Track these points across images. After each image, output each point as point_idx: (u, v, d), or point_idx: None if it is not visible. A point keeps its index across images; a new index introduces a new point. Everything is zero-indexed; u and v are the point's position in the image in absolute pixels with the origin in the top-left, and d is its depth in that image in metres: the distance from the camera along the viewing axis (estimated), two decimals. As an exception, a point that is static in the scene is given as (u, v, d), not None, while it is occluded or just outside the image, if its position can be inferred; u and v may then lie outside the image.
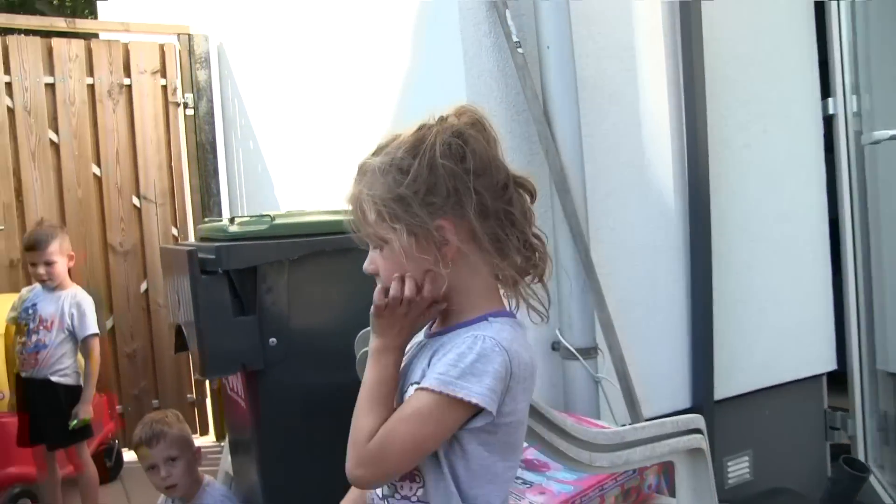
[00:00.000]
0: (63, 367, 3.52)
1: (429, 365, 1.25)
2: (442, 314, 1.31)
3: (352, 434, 1.25)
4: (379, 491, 1.36)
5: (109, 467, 4.37)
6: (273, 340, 2.27)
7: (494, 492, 1.25)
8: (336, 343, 2.35)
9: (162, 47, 4.77)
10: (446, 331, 1.29)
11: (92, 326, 3.55)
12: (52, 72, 4.52)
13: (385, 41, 2.88)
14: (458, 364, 1.18)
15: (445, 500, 1.23)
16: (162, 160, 4.75)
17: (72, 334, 3.51)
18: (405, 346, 1.31)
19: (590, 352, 2.49)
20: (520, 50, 2.47)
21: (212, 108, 4.81)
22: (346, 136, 3.16)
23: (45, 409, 3.48)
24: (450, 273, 1.22)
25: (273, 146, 4.02)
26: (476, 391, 1.16)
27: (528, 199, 1.28)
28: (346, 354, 2.34)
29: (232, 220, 2.35)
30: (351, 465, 1.24)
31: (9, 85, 4.42)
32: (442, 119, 1.25)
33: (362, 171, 1.28)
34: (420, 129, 1.25)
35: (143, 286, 4.71)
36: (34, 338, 3.46)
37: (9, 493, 3.67)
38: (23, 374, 3.49)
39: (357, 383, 1.72)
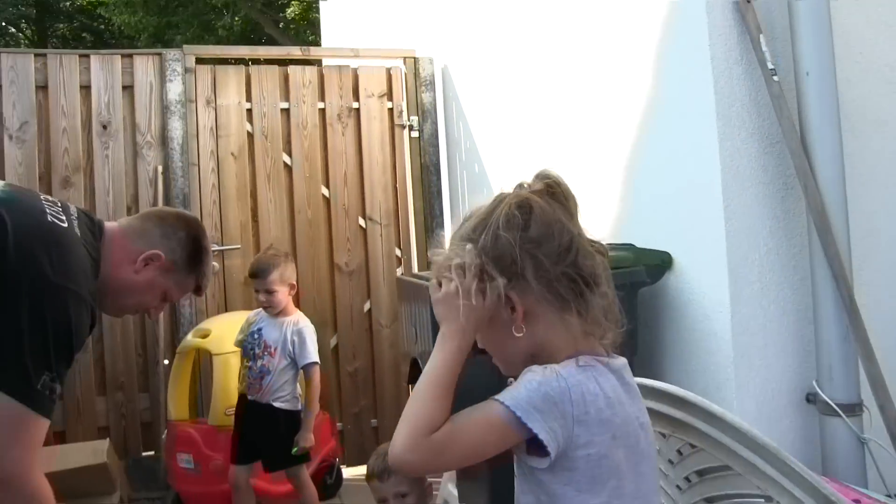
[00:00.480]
0: (284, 394, 3.64)
1: None
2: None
3: (410, 418, 1.26)
4: None
5: (329, 485, 4.49)
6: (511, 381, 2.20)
7: None
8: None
9: (388, 71, 4.89)
10: None
11: (312, 355, 3.64)
12: (287, 98, 4.75)
13: (625, 66, 2.76)
14: (531, 391, 1.24)
15: None
16: (387, 182, 4.86)
17: (293, 361, 3.61)
18: (471, 333, 1.32)
19: (854, 408, 2.25)
20: (775, 78, 2.28)
21: (436, 129, 4.88)
22: (579, 161, 3.06)
23: (266, 432, 3.60)
24: (528, 333, 1.31)
25: (499, 169, 3.99)
26: (540, 427, 1.21)
27: (600, 259, 1.36)
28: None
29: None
30: (403, 449, 1.25)
31: (249, 111, 4.69)
32: (519, 186, 1.37)
33: (451, 241, 1.39)
34: (495, 199, 1.36)
35: (367, 306, 4.83)
36: (259, 363, 3.59)
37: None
38: (249, 398, 3.63)
39: None
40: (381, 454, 2.52)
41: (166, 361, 4.38)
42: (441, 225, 4.88)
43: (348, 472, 4.79)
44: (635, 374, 1.45)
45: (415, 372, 2.44)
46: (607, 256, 1.38)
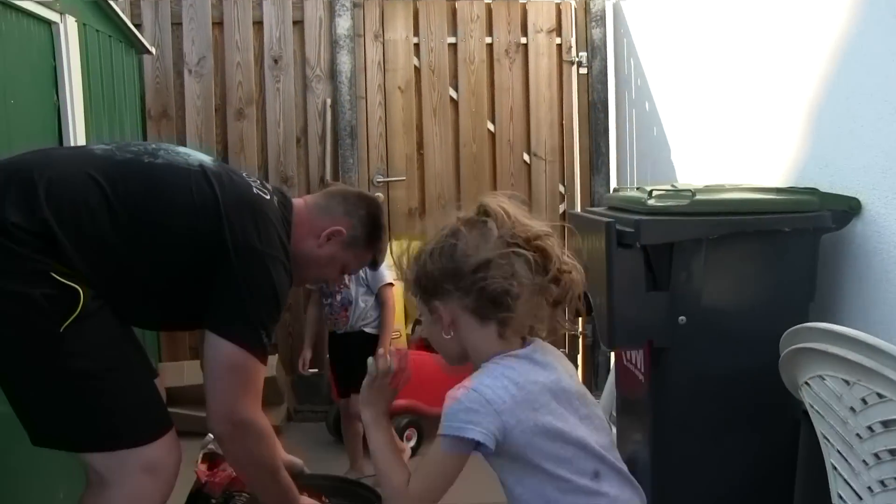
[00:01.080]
0: (371, 319, 3.71)
1: None
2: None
3: (386, 486, 1.64)
4: None
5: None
6: (683, 319, 2.22)
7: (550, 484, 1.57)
8: (748, 328, 2.26)
9: (558, 6, 4.83)
10: None
11: (385, 277, 3.65)
12: (454, 32, 4.78)
13: (821, 9, 2.60)
14: (456, 412, 1.54)
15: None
16: (553, 118, 4.85)
17: (368, 287, 3.68)
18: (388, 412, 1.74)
19: None
20: None
21: (605, 67, 4.80)
22: (757, 101, 2.95)
23: (359, 359, 3.58)
24: (455, 336, 1.62)
25: (671, 109, 3.90)
26: (476, 431, 1.51)
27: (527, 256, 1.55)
28: (757, 340, 2.23)
29: (650, 193, 2.31)
30: None
31: (416, 46, 4.76)
32: (457, 220, 1.62)
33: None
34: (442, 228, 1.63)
35: (529, 243, 4.87)
36: (338, 297, 3.66)
37: (397, 421, 4.01)
38: (338, 332, 3.72)
39: (766, 373, 1.97)
40: None
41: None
42: (606, 163, 4.84)
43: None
44: (814, 320, 1.76)
45: (586, 303, 2.47)
46: (551, 242, 1.60)
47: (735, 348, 2.27)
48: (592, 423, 1.63)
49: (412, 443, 4.07)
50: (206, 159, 2.12)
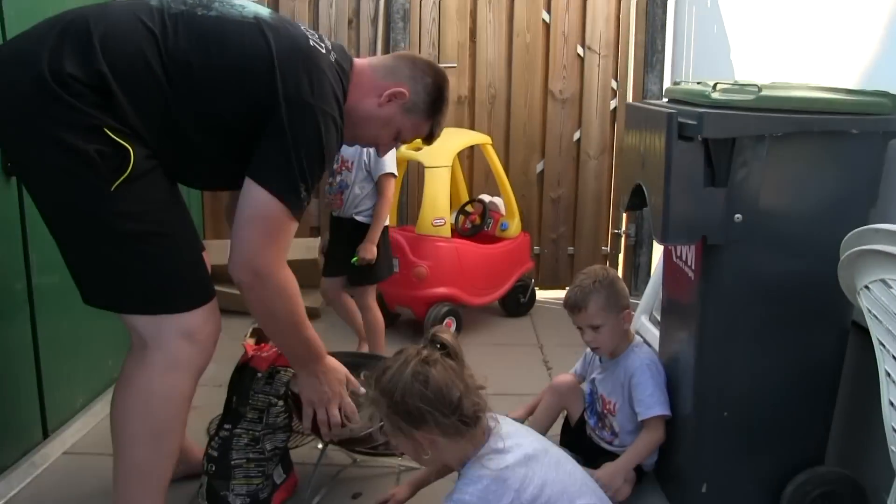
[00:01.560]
0: (365, 208, 3.60)
1: None
2: None
3: None
4: None
5: (522, 304, 4.65)
6: (739, 217, 2.15)
7: None
8: (805, 230, 2.20)
9: None
10: None
11: (388, 166, 3.56)
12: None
13: None
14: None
15: None
16: (610, 11, 4.69)
17: (370, 174, 3.57)
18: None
19: None
20: None
21: (665, -41, 4.61)
22: (830, 6, 2.81)
23: (348, 246, 3.60)
24: (432, 455, 1.90)
25: (734, 5, 3.73)
26: None
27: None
28: (813, 244, 2.19)
29: (714, 86, 2.22)
30: None
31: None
32: (418, 351, 1.92)
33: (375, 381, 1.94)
34: (400, 359, 1.91)
35: (577, 135, 4.80)
36: (338, 178, 3.59)
37: (437, 309, 4.04)
38: (333, 213, 3.68)
39: (820, 278, 2.06)
40: (575, 287, 2.59)
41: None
42: (661, 61, 4.69)
43: (541, 295, 4.94)
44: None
45: (635, 199, 2.42)
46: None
47: (789, 250, 2.22)
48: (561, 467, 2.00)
49: (451, 331, 4.10)
50: (263, 11, 2.06)
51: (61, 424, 2.98)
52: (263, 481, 2.48)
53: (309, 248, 4.48)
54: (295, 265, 4.00)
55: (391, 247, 3.96)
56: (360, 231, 3.60)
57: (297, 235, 4.54)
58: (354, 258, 3.57)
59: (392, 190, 3.64)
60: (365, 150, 3.55)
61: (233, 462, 2.44)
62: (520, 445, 1.94)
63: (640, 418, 2.52)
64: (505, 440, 1.92)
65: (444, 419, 1.83)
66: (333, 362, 2.31)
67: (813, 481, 2.35)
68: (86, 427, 3.05)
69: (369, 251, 3.56)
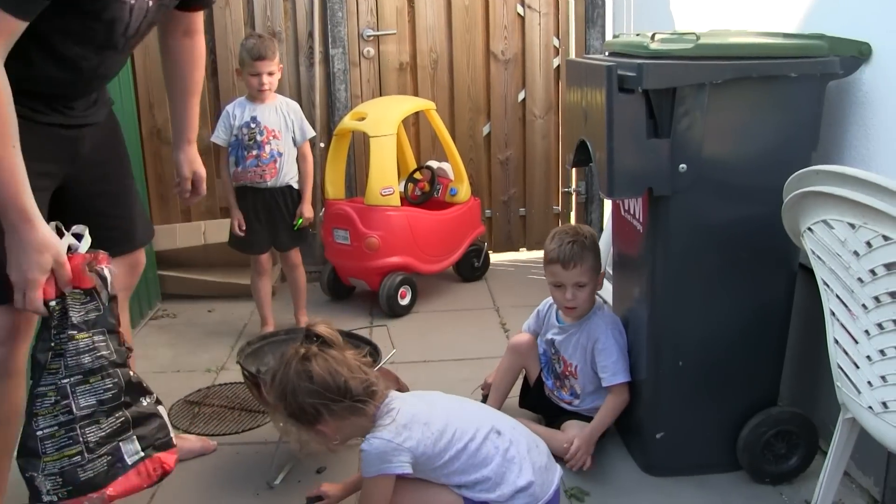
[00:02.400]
0: (294, 174, 3.72)
1: None
2: None
3: None
4: None
5: (476, 268, 4.65)
6: (683, 167, 2.16)
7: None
8: (750, 176, 2.22)
9: None
10: None
11: (310, 130, 3.74)
12: None
13: None
14: (374, 458, 1.97)
15: None
16: (549, -32, 4.66)
17: (294, 141, 3.67)
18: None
19: None
20: None
21: (602, -90, 4.58)
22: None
23: (285, 214, 3.70)
24: (340, 437, 2.03)
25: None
26: (395, 468, 1.97)
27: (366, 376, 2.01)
28: (758, 189, 2.21)
29: (653, 37, 2.21)
30: None
31: None
32: (295, 350, 2.00)
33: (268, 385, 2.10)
34: (282, 362, 2.00)
35: (521, 95, 4.77)
36: (268, 148, 3.60)
37: (391, 279, 4.03)
38: (261, 187, 3.63)
39: (766, 222, 2.11)
40: (564, 240, 2.52)
41: (322, 144, 4.51)
42: (602, 16, 4.67)
43: (495, 258, 4.94)
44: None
45: (581, 156, 2.42)
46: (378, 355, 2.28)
47: (735, 197, 2.24)
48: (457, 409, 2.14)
49: (406, 300, 4.10)
50: None
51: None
52: (84, 454, 1.91)
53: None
54: (226, 247, 3.99)
55: (341, 219, 4.06)
56: (292, 196, 3.71)
57: (212, 217, 4.56)
58: (299, 220, 3.71)
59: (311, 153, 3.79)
60: (286, 116, 3.65)
61: (38, 432, 1.87)
62: (407, 406, 2.04)
63: (605, 384, 2.55)
64: (393, 407, 2.02)
65: (337, 405, 1.94)
66: (49, 236, 1.79)
67: (767, 422, 2.39)
68: None
69: (309, 210, 3.75)
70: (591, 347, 2.57)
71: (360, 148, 4.69)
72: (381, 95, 4.67)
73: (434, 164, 4.51)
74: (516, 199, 4.95)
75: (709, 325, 2.35)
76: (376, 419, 2.01)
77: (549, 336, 2.72)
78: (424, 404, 2.08)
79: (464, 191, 4.44)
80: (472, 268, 4.63)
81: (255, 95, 3.60)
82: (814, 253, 1.83)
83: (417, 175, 4.47)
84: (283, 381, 1.96)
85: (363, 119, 4.11)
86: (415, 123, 4.78)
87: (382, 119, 4.09)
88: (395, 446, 1.94)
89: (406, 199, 4.37)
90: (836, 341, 1.83)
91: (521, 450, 2.06)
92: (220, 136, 3.64)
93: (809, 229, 1.82)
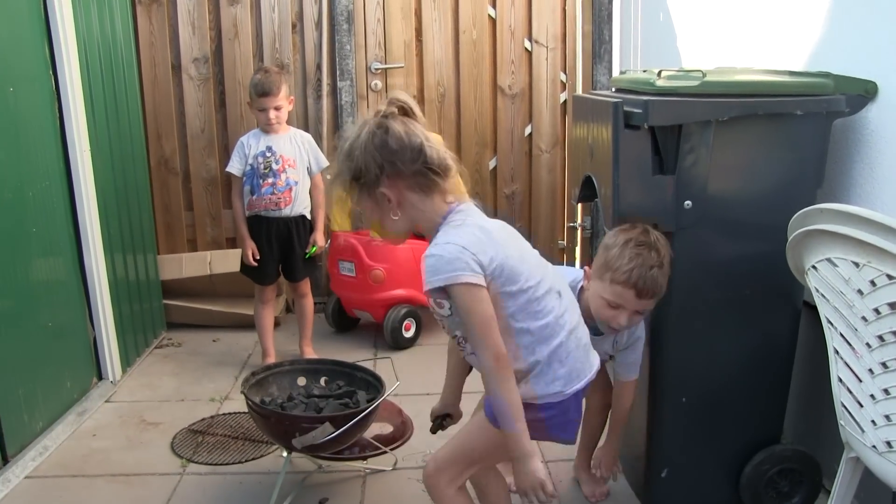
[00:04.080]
0: (307, 203, 3.76)
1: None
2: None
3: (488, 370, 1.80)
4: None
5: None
6: (688, 203, 2.18)
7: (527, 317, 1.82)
8: (755, 214, 2.23)
9: None
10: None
11: (325, 160, 3.78)
12: (456, -89, 4.58)
13: None
14: (437, 269, 1.74)
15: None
16: (556, 4, 4.68)
17: (309, 170, 3.73)
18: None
19: None
20: None
21: (609, -51, 4.63)
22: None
23: (299, 243, 3.73)
24: (402, 216, 1.84)
25: (678, -8, 3.77)
26: (467, 274, 1.72)
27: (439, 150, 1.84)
28: (763, 226, 2.21)
29: (659, 74, 2.24)
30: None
31: (418, -75, 4.57)
32: (376, 113, 1.83)
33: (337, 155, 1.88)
34: (359, 125, 1.83)
35: (528, 130, 4.80)
36: (283, 176, 3.64)
37: (396, 312, 4.03)
38: (273, 216, 3.66)
39: (771, 260, 2.15)
40: (648, 263, 2.12)
41: (329, 176, 4.53)
42: (609, 51, 4.71)
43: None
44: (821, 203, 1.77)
45: (586, 191, 2.43)
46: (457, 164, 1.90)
47: (739, 233, 2.25)
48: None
49: (411, 333, 4.10)
50: None
51: (21, 449, 2.92)
52: None
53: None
54: (231, 277, 4.00)
55: (347, 251, 4.10)
56: (305, 225, 3.75)
57: (218, 247, 4.57)
58: (313, 248, 3.74)
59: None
60: (301, 147, 3.71)
61: None
62: (481, 220, 1.89)
63: (622, 378, 2.41)
64: (466, 214, 1.86)
65: (410, 165, 1.79)
66: None
67: (770, 460, 2.38)
68: (46, 450, 2.99)
69: (322, 238, 3.79)
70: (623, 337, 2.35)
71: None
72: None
73: (440, 196, 4.52)
74: (522, 233, 4.92)
75: (712, 362, 2.35)
76: (446, 217, 1.84)
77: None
78: (498, 226, 1.91)
79: (469, 223, 4.44)
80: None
81: (266, 129, 3.65)
82: (818, 291, 1.84)
83: (423, 207, 4.47)
84: (356, 140, 1.81)
85: (371, 150, 4.13)
86: (422, 156, 4.79)
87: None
88: (470, 255, 1.73)
89: (412, 232, 4.38)
90: (840, 380, 1.83)
91: (572, 319, 1.90)
92: (234, 166, 3.68)
93: (814, 267, 1.82)
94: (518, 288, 1.80)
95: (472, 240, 1.76)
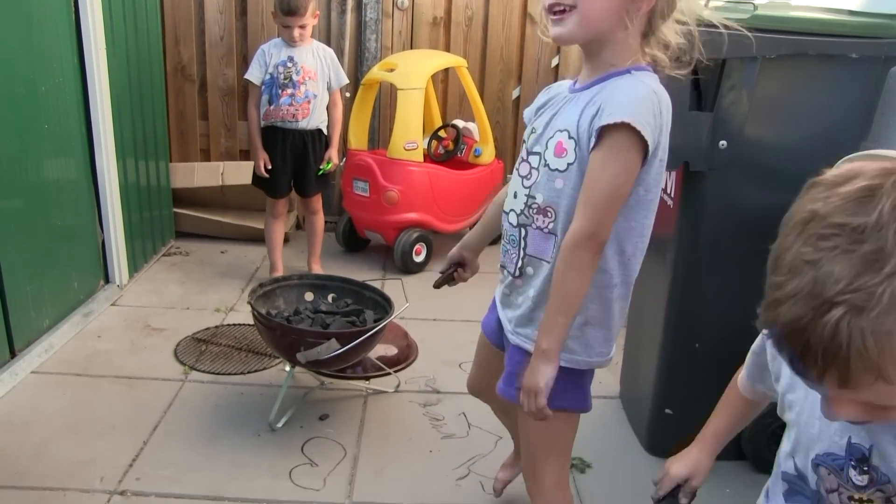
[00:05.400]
0: (325, 117, 3.69)
1: (581, 114, 1.44)
2: (587, 67, 1.50)
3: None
4: (514, 219, 1.58)
5: (495, 230, 4.59)
6: (724, 143, 2.10)
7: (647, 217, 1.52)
8: (791, 161, 2.13)
9: None
10: (593, 84, 1.47)
11: (345, 77, 3.71)
12: None
13: None
14: (629, 104, 1.38)
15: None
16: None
17: (328, 85, 3.65)
18: None
19: None
20: None
21: None
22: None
23: (313, 158, 3.66)
24: (618, 22, 1.41)
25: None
26: (648, 131, 1.38)
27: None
28: (798, 175, 2.07)
29: (706, 3, 2.14)
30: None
31: None
32: None
33: None
34: None
35: (555, 61, 4.67)
36: (303, 88, 3.55)
37: (407, 235, 3.98)
38: (289, 128, 3.59)
39: None
40: None
41: (348, 94, 4.44)
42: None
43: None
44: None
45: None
46: None
47: (774, 181, 2.15)
48: None
49: (421, 257, 4.06)
50: None
51: (28, 345, 2.91)
52: None
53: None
54: (243, 190, 3.96)
55: (362, 170, 4.02)
56: (321, 140, 3.68)
57: (231, 159, 4.51)
58: (327, 164, 3.68)
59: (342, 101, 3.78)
60: (323, 61, 3.61)
61: None
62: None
63: None
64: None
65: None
66: None
67: (773, 413, 2.34)
68: (52, 348, 2.98)
69: (336, 156, 3.74)
70: None
71: (385, 100, 4.61)
72: (411, 48, 4.59)
73: (460, 123, 4.44)
74: (539, 166, 4.87)
75: (729, 312, 2.29)
76: (637, 66, 1.48)
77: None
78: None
79: (488, 152, 4.37)
80: (489, 230, 4.57)
81: (289, 43, 3.57)
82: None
83: (442, 133, 4.40)
84: None
85: (393, 70, 4.04)
86: (444, 80, 4.69)
87: (413, 72, 4.02)
88: (654, 116, 1.42)
89: (429, 156, 4.31)
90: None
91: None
92: (253, 74, 3.58)
93: (853, 216, 1.75)
94: (650, 209, 1.52)
95: (659, 107, 1.43)
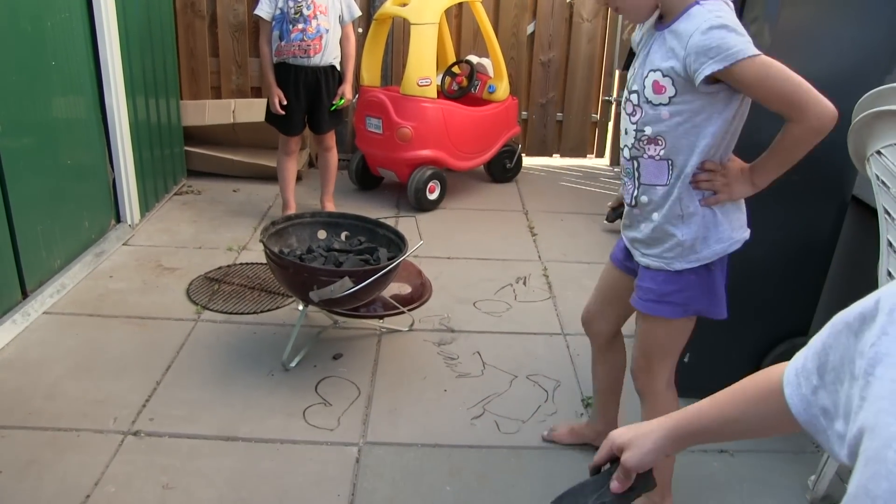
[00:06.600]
0: (337, 53, 3.59)
1: (669, 51, 1.54)
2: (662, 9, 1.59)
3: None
4: (627, 153, 1.69)
5: (509, 169, 4.55)
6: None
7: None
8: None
9: None
10: (672, 22, 1.55)
11: (357, 10, 3.62)
12: None
13: None
14: (727, 38, 1.48)
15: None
16: None
17: (340, 20, 3.55)
18: None
19: None
20: None
21: None
22: None
23: (327, 94, 3.58)
24: None
25: None
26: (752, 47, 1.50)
27: None
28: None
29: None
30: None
31: None
32: None
33: None
34: None
35: (571, -5, 4.58)
36: (314, 23, 3.45)
37: (421, 173, 3.94)
38: (301, 64, 3.49)
39: (825, 148, 1.71)
40: None
41: (360, 30, 4.35)
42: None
43: (527, 161, 4.83)
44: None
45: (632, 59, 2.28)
46: None
47: (795, 115, 2.10)
48: None
49: (434, 195, 4.02)
50: None
51: (40, 285, 2.91)
52: None
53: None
54: (255, 127, 3.91)
55: (375, 107, 3.96)
56: (334, 76, 3.60)
57: (243, 96, 4.45)
58: (340, 100, 3.61)
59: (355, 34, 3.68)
60: None
61: None
62: None
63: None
64: None
65: None
66: None
67: (791, 352, 2.30)
68: (64, 288, 2.98)
69: (350, 91, 3.66)
70: None
71: (398, 35, 4.53)
72: None
73: (474, 59, 4.36)
74: (555, 102, 4.80)
75: (751, 249, 2.25)
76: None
77: None
78: None
79: (502, 89, 4.29)
80: (503, 169, 4.53)
81: None
82: (878, 178, 1.72)
83: (456, 69, 4.32)
84: None
85: (406, 5, 3.95)
86: (457, 15, 4.60)
87: (426, 6, 3.93)
88: (737, 24, 1.52)
89: (442, 93, 4.24)
90: (890, 274, 1.74)
91: None
92: (263, 9, 3.48)
93: (878, 152, 1.70)
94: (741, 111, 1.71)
95: (734, 23, 1.53)
